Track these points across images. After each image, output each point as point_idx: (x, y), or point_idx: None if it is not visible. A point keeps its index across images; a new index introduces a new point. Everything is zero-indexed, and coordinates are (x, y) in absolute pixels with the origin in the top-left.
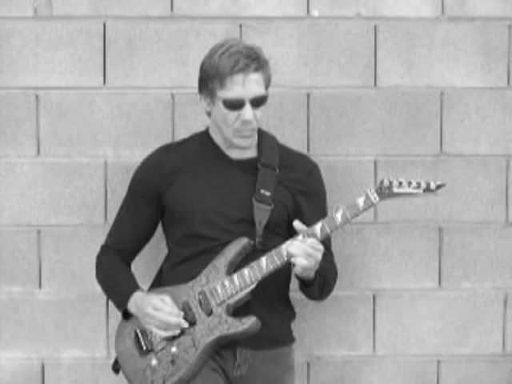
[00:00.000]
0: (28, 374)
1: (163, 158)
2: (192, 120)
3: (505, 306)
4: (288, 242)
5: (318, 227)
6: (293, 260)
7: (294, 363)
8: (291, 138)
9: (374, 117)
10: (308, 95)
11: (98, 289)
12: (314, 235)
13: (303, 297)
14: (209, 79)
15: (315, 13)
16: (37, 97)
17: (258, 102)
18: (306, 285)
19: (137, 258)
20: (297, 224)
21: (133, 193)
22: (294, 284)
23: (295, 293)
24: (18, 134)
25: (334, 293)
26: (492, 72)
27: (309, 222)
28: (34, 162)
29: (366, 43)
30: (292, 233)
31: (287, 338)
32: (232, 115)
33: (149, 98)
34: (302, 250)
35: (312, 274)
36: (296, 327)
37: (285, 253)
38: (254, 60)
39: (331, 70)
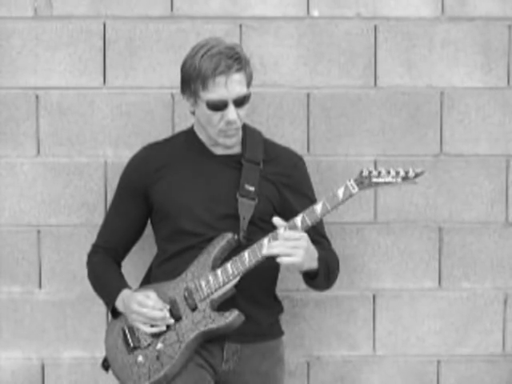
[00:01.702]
0: (28, 374)
1: (148, 156)
2: (192, 120)
3: (505, 305)
4: (266, 242)
5: (298, 220)
6: (278, 260)
7: (283, 356)
8: (291, 137)
9: (373, 117)
10: (308, 95)
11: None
12: (294, 228)
13: (303, 297)
14: (191, 80)
15: (315, 13)
16: (37, 97)
17: (241, 102)
18: (311, 277)
19: (134, 256)
20: (276, 220)
21: (120, 192)
22: (293, 284)
23: (295, 293)
24: (18, 134)
25: (334, 293)
26: (492, 72)
27: (292, 215)
28: (34, 162)
29: (365, 43)
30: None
31: (275, 332)
32: (216, 116)
33: (149, 98)
34: (283, 248)
35: (314, 265)
36: (296, 327)
37: (266, 246)
38: (236, 60)
39: (331, 70)
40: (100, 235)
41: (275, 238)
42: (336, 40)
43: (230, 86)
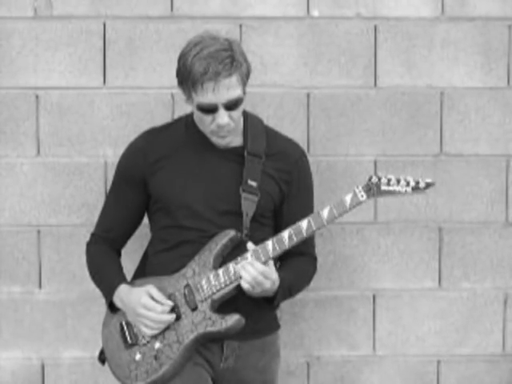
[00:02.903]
0: (28, 374)
1: (147, 145)
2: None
3: (505, 306)
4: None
5: (304, 224)
6: (241, 282)
7: (279, 349)
8: (291, 137)
9: (374, 117)
10: (308, 95)
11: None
12: (299, 233)
13: (303, 297)
14: (183, 80)
15: (315, 13)
16: (37, 97)
17: (232, 105)
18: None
19: (135, 255)
20: (249, 245)
21: (118, 180)
22: None
23: None
24: (18, 134)
25: (334, 293)
26: (492, 72)
27: (288, 211)
28: (33, 162)
29: (366, 43)
30: (277, 223)
31: (273, 327)
32: (207, 118)
33: (149, 98)
34: (251, 277)
35: (267, 295)
36: (296, 327)
37: (270, 249)
38: (226, 65)
39: (331, 70)
40: (99, 224)
41: (263, 257)
42: (336, 40)
43: (218, 91)
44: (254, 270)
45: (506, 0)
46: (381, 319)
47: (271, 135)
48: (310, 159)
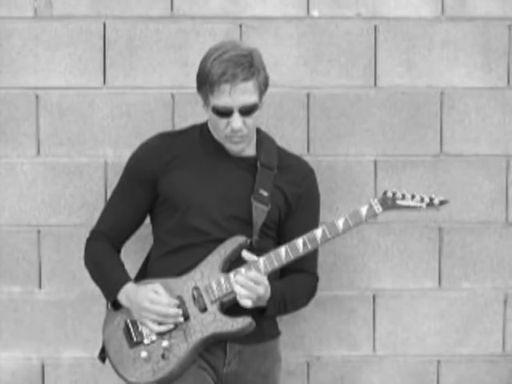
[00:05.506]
0: (28, 374)
1: (162, 144)
2: (192, 120)
3: (505, 306)
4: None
5: (318, 233)
6: (238, 297)
7: (280, 355)
8: (291, 137)
9: (374, 117)
10: (308, 95)
11: (98, 288)
12: (313, 240)
13: None
14: (202, 83)
15: (315, 13)
16: (37, 97)
17: (247, 111)
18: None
19: (136, 256)
20: (245, 254)
21: (128, 177)
22: None
23: None
24: (18, 134)
25: (334, 293)
26: (492, 72)
27: (293, 226)
28: (33, 162)
29: (366, 43)
30: (281, 236)
31: (274, 332)
32: (222, 122)
33: (149, 98)
34: (243, 283)
35: (262, 303)
36: (296, 327)
37: (283, 254)
38: (244, 69)
39: (331, 70)
40: (102, 221)
41: (270, 263)
42: (336, 40)
43: (234, 94)
44: (244, 278)
45: (505, 0)
46: (381, 319)
47: (282, 152)
48: (310, 159)
